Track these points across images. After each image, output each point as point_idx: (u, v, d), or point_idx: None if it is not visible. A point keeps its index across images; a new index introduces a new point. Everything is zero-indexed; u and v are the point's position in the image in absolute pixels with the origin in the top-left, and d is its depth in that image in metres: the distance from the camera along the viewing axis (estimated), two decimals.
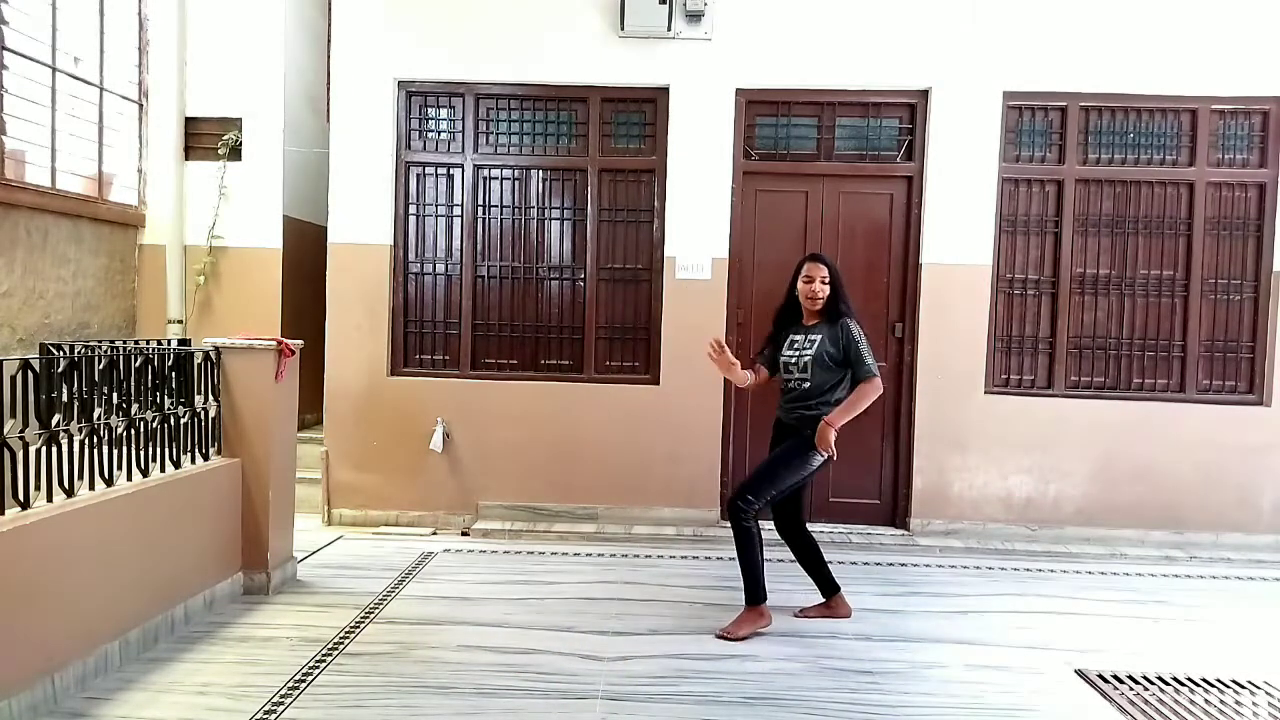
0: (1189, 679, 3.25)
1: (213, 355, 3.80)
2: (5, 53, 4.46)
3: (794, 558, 3.85)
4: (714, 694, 3.01)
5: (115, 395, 3.23)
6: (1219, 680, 3.25)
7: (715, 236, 5.16)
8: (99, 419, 3.11)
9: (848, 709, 2.93)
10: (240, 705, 2.81)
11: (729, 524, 3.63)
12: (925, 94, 5.17)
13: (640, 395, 5.22)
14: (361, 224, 5.25)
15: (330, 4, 5.43)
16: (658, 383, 5.22)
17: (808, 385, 3.55)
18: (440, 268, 5.35)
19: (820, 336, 3.55)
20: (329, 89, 5.44)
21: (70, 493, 2.93)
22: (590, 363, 5.32)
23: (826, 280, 3.57)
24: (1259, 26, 5.06)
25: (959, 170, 5.12)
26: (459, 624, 3.62)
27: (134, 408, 3.31)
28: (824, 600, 3.84)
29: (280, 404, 3.98)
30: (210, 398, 3.78)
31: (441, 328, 5.36)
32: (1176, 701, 3.05)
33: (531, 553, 4.77)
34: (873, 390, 3.49)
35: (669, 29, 5.08)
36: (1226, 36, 5.06)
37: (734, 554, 4.82)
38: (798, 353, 3.58)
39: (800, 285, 3.62)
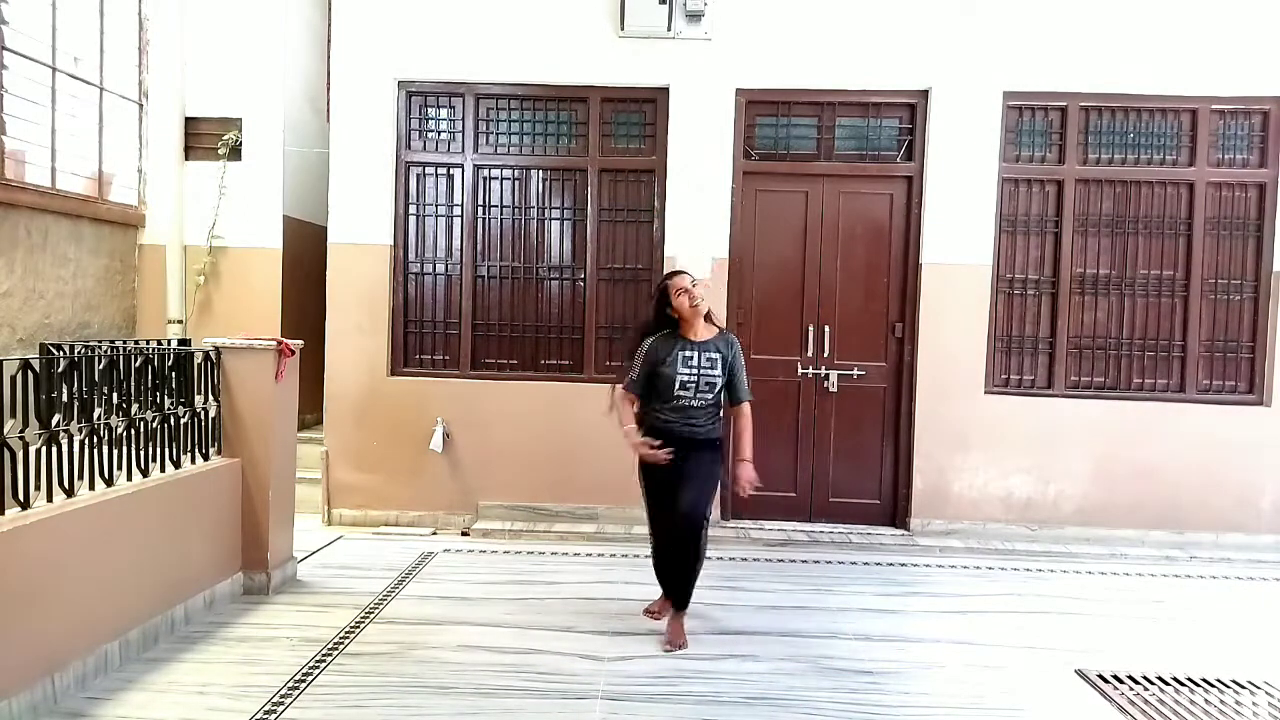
0: (1189, 679, 3.25)
1: (213, 355, 3.80)
2: (5, 53, 4.46)
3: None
4: (714, 694, 3.01)
5: (115, 395, 3.23)
6: (1219, 680, 3.25)
7: (715, 236, 5.16)
8: (99, 419, 3.11)
9: (848, 709, 2.93)
10: (240, 705, 2.81)
11: (692, 542, 3.46)
12: (925, 94, 5.17)
13: None
14: (361, 224, 5.25)
15: (330, 4, 5.43)
16: None
17: (710, 400, 3.50)
18: (440, 268, 5.35)
19: (720, 356, 3.49)
20: (329, 89, 5.44)
21: (70, 493, 2.93)
22: (590, 363, 5.32)
23: (696, 283, 3.50)
24: (1259, 26, 5.06)
25: (959, 170, 5.13)
26: (459, 624, 3.62)
27: (134, 408, 3.31)
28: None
29: (280, 404, 3.98)
30: (210, 398, 3.78)
31: (441, 328, 5.36)
32: (1176, 701, 3.05)
33: (531, 553, 4.77)
34: (750, 413, 3.60)
35: (669, 29, 5.08)
36: (1226, 36, 5.06)
37: (733, 554, 4.88)
38: (698, 371, 3.44)
39: (676, 301, 3.45)
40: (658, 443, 3.45)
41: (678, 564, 3.49)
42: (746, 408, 3.57)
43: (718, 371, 3.48)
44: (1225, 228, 5.20)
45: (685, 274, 3.57)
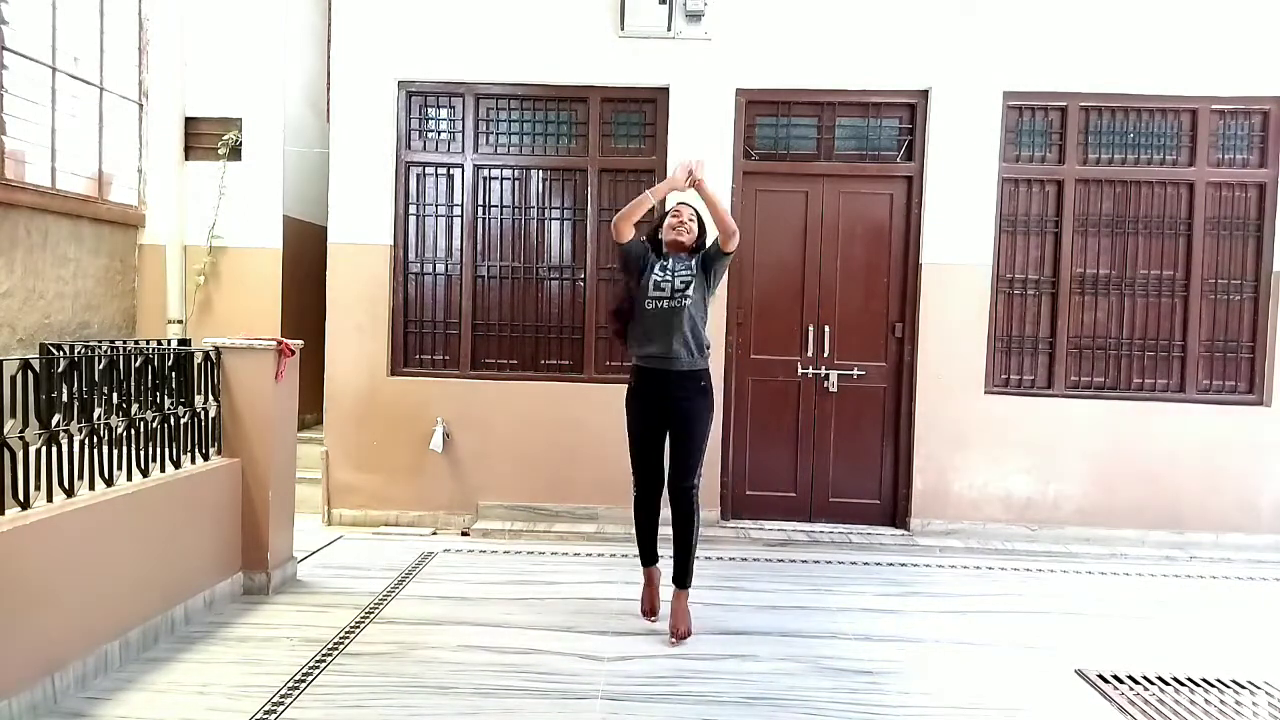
0: (1189, 679, 3.25)
1: (213, 355, 3.80)
2: (5, 53, 4.46)
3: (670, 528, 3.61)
4: (714, 694, 3.01)
5: (115, 395, 3.23)
6: (1219, 680, 3.25)
7: (715, 237, 5.15)
8: (99, 419, 3.11)
9: (848, 709, 2.93)
10: (240, 705, 2.81)
11: (685, 511, 3.54)
12: (925, 94, 5.17)
13: None
14: (361, 224, 5.25)
15: (330, 4, 5.43)
16: None
17: (688, 302, 3.42)
18: (440, 268, 5.35)
19: (693, 260, 3.52)
20: (329, 89, 5.44)
21: (70, 493, 2.93)
22: (590, 363, 5.32)
23: (694, 218, 3.58)
24: (1259, 26, 5.06)
25: (959, 170, 5.13)
26: (459, 624, 3.62)
27: (134, 408, 3.31)
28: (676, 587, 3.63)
29: (280, 404, 3.98)
30: (210, 398, 3.78)
31: (441, 328, 5.36)
32: (1176, 701, 3.05)
33: (531, 553, 4.77)
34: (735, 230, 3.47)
35: (669, 29, 5.08)
36: (1226, 36, 5.06)
37: (733, 554, 4.88)
38: (671, 274, 3.47)
39: (668, 221, 3.57)
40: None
41: (675, 535, 3.56)
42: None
43: (692, 272, 3.48)
44: (1225, 228, 5.20)
45: (690, 207, 3.63)
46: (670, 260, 3.54)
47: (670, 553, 3.62)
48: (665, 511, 3.65)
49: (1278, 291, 5.14)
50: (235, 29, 5.63)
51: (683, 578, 3.59)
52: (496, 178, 5.32)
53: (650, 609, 3.74)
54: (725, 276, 3.74)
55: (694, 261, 3.53)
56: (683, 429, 3.52)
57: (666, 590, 3.70)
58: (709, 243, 3.60)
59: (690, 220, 3.59)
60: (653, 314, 3.46)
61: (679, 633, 3.48)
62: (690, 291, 3.44)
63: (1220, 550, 5.07)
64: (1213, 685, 3.21)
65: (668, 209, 3.71)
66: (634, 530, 3.75)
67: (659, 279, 3.49)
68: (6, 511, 2.64)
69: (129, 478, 3.25)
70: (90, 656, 2.92)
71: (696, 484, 3.56)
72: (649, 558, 3.77)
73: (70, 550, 2.83)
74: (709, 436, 3.58)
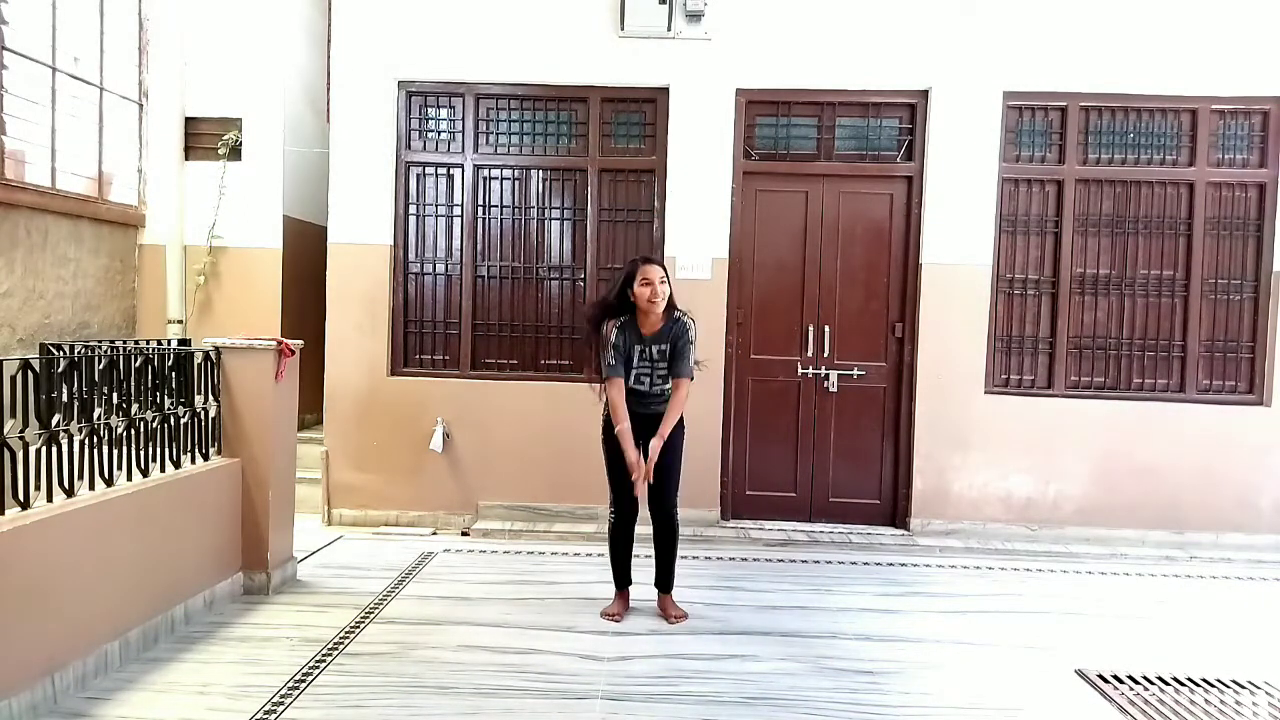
0: (1189, 679, 3.25)
1: (213, 355, 3.80)
2: (5, 53, 4.46)
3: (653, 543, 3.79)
4: (714, 694, 3.01)
5: (115, 395, 3.23)
6: (1219, 680, 3.25)
7: (715, 236, 5.16)
8: (99, 419, 3.11)
9: (848, 709, 2.93)
10: (240, 705, 2.81)
11: (669, 530, 3.76)
12: (925, 94, 5.17)
13: None
14: (361, 224, 5.25)
15: (330, 4, 5.43)
16: None
17: (665, 386, 3.65)
18: (440, 268, 5.35)
19: (666, 346, 3.61)
20: (329, 89, 5.45)
21: (70, 493, 2.93)
22: (590, 362, 5.31)
23: (664, 280, 3.57)
24: (1259, 26, 5.06)
25: (959, 170, 5.13)
26: (459, 624, 3.62)
27: (134, 408, 3.31)
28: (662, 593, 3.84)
29: (280, 404, 3.98)
30: (210, 398, 3.78)
31: (441, 328, 5.36)
32: (1176, 701, 3.05)
33: (531, 553, 4.77)
34: (687, 391, 3.62)
35: (669, 29, 5.08)
36: (1226, 36, 5.06)
37: (733, 554, 4.89)
38: (652, 365, 3.63)
39: (638, 289, 3.54)
40: (648, 468, 3.60)
41: (659, 551, 3.77)
42: (683, 383, 3.61)
43: (667, 360, 3.63)
44: (1225, 228, 5.20)
45: (658, 267, 3.59)
46: (649, 346, 3.62)
47: (638, 568, 3.89)
48: (640, 529, 3.83)
49: (1278, 291, 5.14)
50: (235, 29, 5.63)
51: (667, 583, 3.80)
52: (496, 178, 5.32)
53: (617, 613, 3.78)
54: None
55: (667, 347, 3.60)
56: (662, 460, 3.63)
57: (637, 590, 3.88)
58: (690, 328, 3.62)
59: (661, 284, 3.55)
60: (634, 390, 3.65)
61: (676, 617, 3.72)
62: (667, 380, 3.65)
63: (1220, 550, 5.07)
64: (1213, 685, 3.21)
65: (643, 257, 3.71)
66: (609, 554, 3.86)
67: (641, 371, 3.64)
68: (6, 511, 2.64)
69: (129, 478, 3.25)
70: (90, 656, 2.92)
71: (677, 504, 3.75)
72: (624, 581, 3.86)
73: (70, 550, 2.83)
74: (682, 461, 3.76)
